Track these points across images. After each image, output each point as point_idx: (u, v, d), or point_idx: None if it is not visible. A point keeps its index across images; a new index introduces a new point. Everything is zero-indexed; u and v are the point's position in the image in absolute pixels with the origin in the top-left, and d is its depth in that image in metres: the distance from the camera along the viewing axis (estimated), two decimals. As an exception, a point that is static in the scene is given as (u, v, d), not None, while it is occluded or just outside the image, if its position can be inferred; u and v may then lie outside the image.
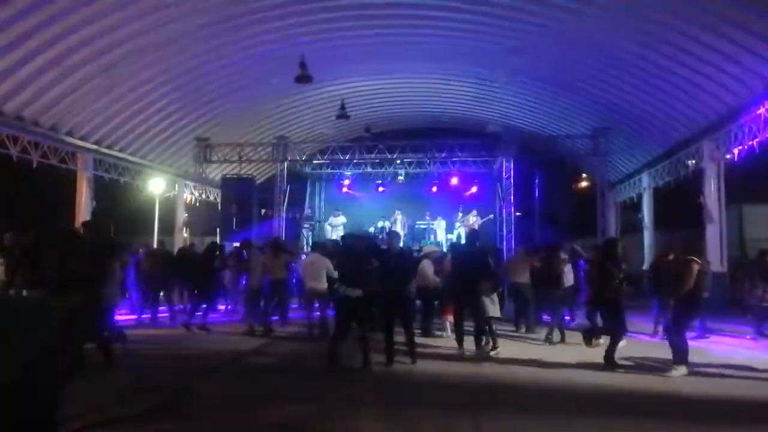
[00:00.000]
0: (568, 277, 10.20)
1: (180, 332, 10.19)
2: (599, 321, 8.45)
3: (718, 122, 12.93)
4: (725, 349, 8.91)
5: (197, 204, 20.48)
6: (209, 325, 10.56)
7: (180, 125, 16.74)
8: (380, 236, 18.36)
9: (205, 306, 10.94)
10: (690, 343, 7.25)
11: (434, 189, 21.73)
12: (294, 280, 12.36)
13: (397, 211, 20.04)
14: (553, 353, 8.35)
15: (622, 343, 7.66)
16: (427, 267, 9.88)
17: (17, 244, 9.25)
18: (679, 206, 16.57)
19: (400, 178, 21.11)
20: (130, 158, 16.50)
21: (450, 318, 9.48)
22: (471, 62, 15.21)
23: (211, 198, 21.06)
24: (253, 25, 12.54)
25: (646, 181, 18.17)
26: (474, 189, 21.40)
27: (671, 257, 9.62)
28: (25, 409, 3.41)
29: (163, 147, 17.42)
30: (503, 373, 7.10)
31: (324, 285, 9.63)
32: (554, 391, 6.24)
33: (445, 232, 20.28)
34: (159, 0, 10.88)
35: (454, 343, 8.28)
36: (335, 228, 20.10)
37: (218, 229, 17.67)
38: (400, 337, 7.56)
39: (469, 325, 8.37)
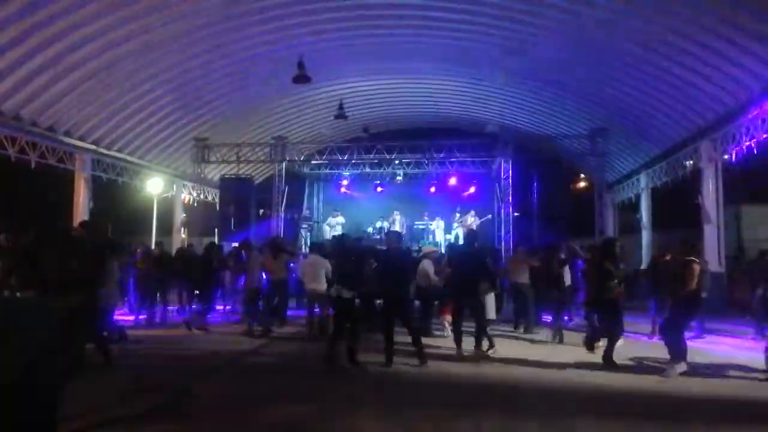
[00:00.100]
0: (566, 277, 10.23)
1: (179, 332, 10.18)
2: (597, 321, 8.46)
3: (716, 123, 12.95)
4: (725, 349, 8.92)
5: (195, 204, 20.46)
6: (208, 325, 10.55)
7: (178, 125, 16.73)
8: (379, 236, 18.39)
9: (205, 306, 10.94)
10: (688, 343, 7.25)
11: (432, 189, 21.74)
12: (294, 280, 12.35)
13: (395, 212, 20.04)
14: (553, 353, 8.36)
15: (619, 343, 7.68)
16: (428, 267, 9.88)
17: (15, 245, 9.21)
18: (677, 207, 16.61)
19: (399, 178, 21.11)
20: (128, 158, 16.48)
21: (448, 318, 9.48)
22: (469, 62, 15.22)
23: (210, 198, 21.04)
24: (252, 26, 12.54)
25: (644, 181, 18.20)
26: (472, 189, 21.41)
27: (668, 257, 9.65)
28: (25, 409, 3.41)
29: (162, 147, 17.40)
30: (503, 373, 7.10)
31: (324, 286, 9.62)
32: (554, 392, 6.25)
33: (443, 233, 20.28)
34: (158, 0, 10.87)
35: (453, 344, 8.28)
36: (334, 228, 20.09)
37: (216, 230, 17.66)
38: (399, 338, 7.55)
39: (467, 326, 8.38)
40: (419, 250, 12.99)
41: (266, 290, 10.86)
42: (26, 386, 3.39)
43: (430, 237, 19.97)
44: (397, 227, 18.88)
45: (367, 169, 20.66)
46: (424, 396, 6.06)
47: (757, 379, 6.78)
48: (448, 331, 9.60)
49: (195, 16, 11.60)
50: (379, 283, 7.89)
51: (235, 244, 12.67)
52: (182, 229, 19.30)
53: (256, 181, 20.63)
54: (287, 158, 18.80)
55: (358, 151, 18.67)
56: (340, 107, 15.77)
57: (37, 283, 6.35)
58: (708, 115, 13.06)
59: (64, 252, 6.23)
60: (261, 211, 19.52)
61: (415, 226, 20.75)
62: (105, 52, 11.86)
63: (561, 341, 9.30)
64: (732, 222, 17.50)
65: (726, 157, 13.27)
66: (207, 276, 11.13)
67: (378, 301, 9.45)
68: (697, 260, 7.15)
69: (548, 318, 10.77)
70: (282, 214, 18.63)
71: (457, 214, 20.01)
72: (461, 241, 17.62)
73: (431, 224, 20.43)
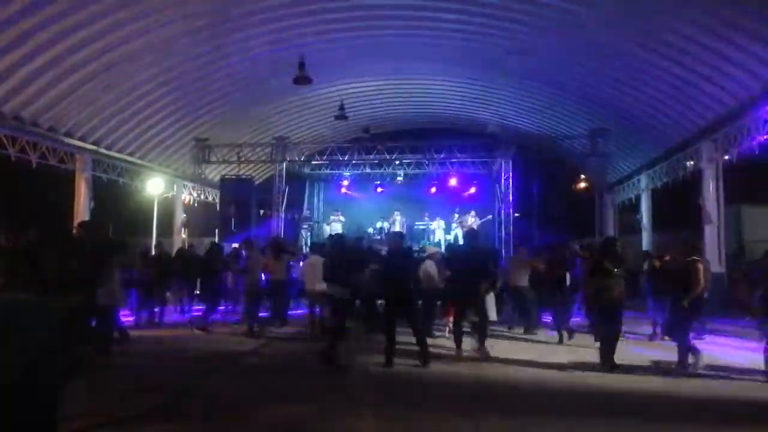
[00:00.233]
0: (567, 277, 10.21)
1: (180, 332, 10.19)
2: (597, 321, 8.45)
3: (716, 123, 12.94)
4: (726, 349, 8.91)
5: (196, 205, 20.46)
6: (209, 325, 10.55)
7: (179, 126, 16.73)
8: (379, 237, 18.41)
9: (206, 307, 10.95)
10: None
11: (433, 190, 21.76)
12: (293, 281, 12.35)
13: (396, 212, 20.06)
14: (553, 354, 8.36)
15: (618, 344, 7.66)
16: (431, 268, 9.84)
17: (16, 245, 9.20)
18: (678, 207, 16.59)
19: (399, 178, 21.14)
20: (129, 159, 16.47)
21: (451, 319, 9.47)
22: (470, 63, 15.22)
23: (210, 199, 21.04)
24: (252, 27, 12.53)
25: (644, 182, 18.19)
26: (473, 190, 21.44)
27: (667, 258, 9.65)
28: (25, 409, 3.40)
29: (162, 147, 17.40)
30: (503, 373, 7.10)
31: (324, 286, 9.61)
32: (554, 392, 6.25)
33: (443, 233, 20.29)
34: (158, 1, 10.88)
35: (453, 344, 8.27)
36: (334, 229, 20.10)
37: (217, 230, 17.65)
38: (399, 338, 7.55)
39: (467, 326, 8.38)
40: (420, 251, 12.98)
41: (267, 290, 10.86)
42: (26, 386, 3.38)
43: (431, 237, 20.00)
44: (397, 227, 18.91)
45: (368, 170, 20.69)
46: (424, 396, 6.06)
47: (757, 380, 6.77)
48: (446, 333, 9.60)
49: (195, 16, 11.61)
50: (382, 284, 7.88)
51: (236, 245, 12.68)
52: (183, 229, 19.30)
53: (257, 182, 20.64)
54: (288, 159, 18.82)
55: (358, 152, 18.70)
56: (341, 108, 15.78)
57: (37, 283, 6.34)
58: (708, 115, 13.05)
59: (64, 252, 6.23)
60: (261, 211, 19.55)
61: (415, 227, 20.77)
62: (105, 53, 11.86)
63: (561, 341, 9.29)
64: (732, 222, 17.47)
65: (726, 157, 13.27)
66: (209, 277, 11.13)
67: (379, 302, 9.46)
68: (700, 260, 7.14)
69: (548, 319, 10.74)
70: (282, 215, 18.66)
71: (456, 215, 20.03)
72: (460, 242, 17.65)
73: (432, 225, 20.45)
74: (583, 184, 21.50)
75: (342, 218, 20.53)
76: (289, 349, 8.99)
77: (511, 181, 17.39)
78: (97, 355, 6.85)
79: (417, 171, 20.77)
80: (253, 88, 15.99)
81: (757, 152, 12.22)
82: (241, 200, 17.49)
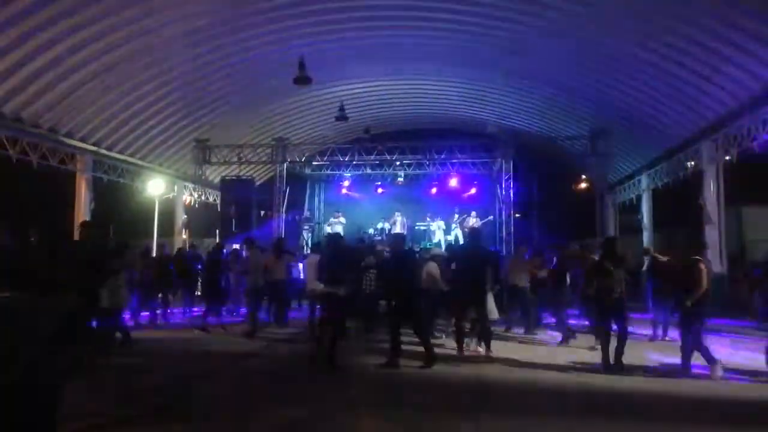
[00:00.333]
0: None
1: (180, 333, 10.18)
2: (596, 321, 8.44)
3: (717, 123, 12.95)
4: (726, 350, 8.89)
5: (196, 206, 20.46)
6: (210, 326, 10.55)
7: (179, 126, 16.74)
8: (380, 238, 18.39)
9: (206, 307, 10.95)
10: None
11: (434, 190, 21.74)
12: (293, 280, 12.36)
13: (396, 213, 20.02)
14: (553, 354, 8.36)
15: (616, 344, 7.64)
16: (434, 269, 9.81)
17: (16, 245, 9.21)
18: (679, 207, 16.58)
19: (400, 179, 21.12)
20: (130, 159, 16.49)
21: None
22: (470, 63, 15.22)
23: (211, 200, 21.04)
24: (253, 27, 12.55)
25: (645, 182, 18.18)
26: (473, 190, 21.42)
27: (667, 258, 9.64)
28: (25, 409, 3.41)
29: (163, 148, 17.42)
30: (503, 373, 7.09)
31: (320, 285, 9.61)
32: (554, 392, 6.24)
33: (444, 234, 20.27)
34: (159, 1, 10.89)
35: (454, 344, 8.26)
36: (335, 230, 20.07)
37: (217, 231, 17.66)
38: (401, 338, 7.54)
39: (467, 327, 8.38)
40: (420, 251, 12.96)
41: (266, 291, 10.86)
42: (26, 386, 3.39)
43: (431, 238, 19.98)
44: (398, 228, 18.88)
45: (368, 170, 20.69)
46: (424, 396, 6.05)
47: (757, 380, 6.76)
48: (444, 335, 9.58)
49: (196, 17, 11.63)
50: (385, 285, 7.87)
51: (236, 246, 12.68)
52: (183, 230, 19.31)
53: (257, 183, 20.65)
54: (288, 159, 18.82)
55: (359, 152, 18.69)
56: (341, 108, 15.78)
57: (36, 283, 6.35)
58: (709, 115, 13.05)
59: (64, 253, 6.24)
60: (262, 212, 19.54)
61: (416, 227, 20.75)
62: (106, 54, 11.88)
63: (562, 342, 9.28)
64: (733, 222, 17.46)
65: (727, 157, 13.26)
66: (210, 278, 11.14)
67: (381, 302, 9.44)
68: (702, 260, 7.13)
69: (552, 319, 10.71)
70: (283, 216, 18.65)
71: (456, 216, 20.01)
72: (461, 242, 17.64)
73: (432, 225, 20.43)
74: (583, 185, 21.50)
75: (343, 219, 20.50)
76: (289, 350, 8.98)
77: (511, 181, 17.38)
78: (97, 356, 6.84)
79: (417, 172, 20.77)
80: (253, 89, 16.01)
81: (757, 152, 12.21)
82: (241, 201, 17.50)
